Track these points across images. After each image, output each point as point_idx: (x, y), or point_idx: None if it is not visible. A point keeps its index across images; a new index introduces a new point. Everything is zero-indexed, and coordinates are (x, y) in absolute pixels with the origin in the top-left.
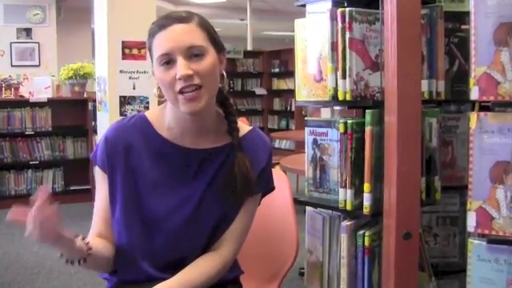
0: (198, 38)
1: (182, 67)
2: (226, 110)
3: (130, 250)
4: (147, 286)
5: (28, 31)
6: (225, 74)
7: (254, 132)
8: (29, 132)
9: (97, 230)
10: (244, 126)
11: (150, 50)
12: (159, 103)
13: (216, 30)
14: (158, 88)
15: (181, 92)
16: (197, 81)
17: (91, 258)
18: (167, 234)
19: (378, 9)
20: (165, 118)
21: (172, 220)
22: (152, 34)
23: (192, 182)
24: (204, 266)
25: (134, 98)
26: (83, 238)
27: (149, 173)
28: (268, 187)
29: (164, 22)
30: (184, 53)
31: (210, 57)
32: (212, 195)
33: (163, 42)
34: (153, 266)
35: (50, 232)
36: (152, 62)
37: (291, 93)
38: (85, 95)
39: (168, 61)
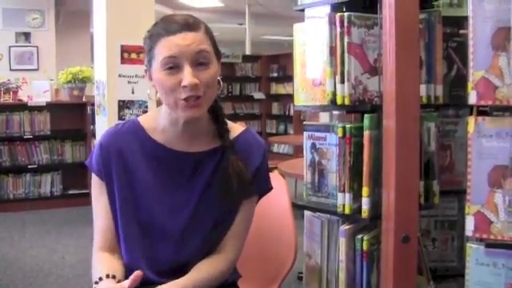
0: (205, 45)
1: (189, 75)
2: (216, 114)
3: (130, 255)
4: None
5: (27, 35)
6: (221, 80)
7: (248, 132)
8: (27, 136)
9: (104, 243)
10: (237, 127)
11: (151, 51)
12: (158, 105)
13: (214, 34)
14: (156, 92)
15: (183, 99)
16: (201, 90)
17: None
18: (166, 238)
19: (376, 13)
20: (159, 122)
21: (170, 224)
22: (157, 36)
23: (188, 186)
24: (207, 269)
25: (132, 103)
26: (113, 277)
27: (145, 177)
28: (265, 187)
29: (172, 27)
30: (191, 59)
31: (214, 66)
32: (209, 198)
33: (172, 46)
34: (153, 271)
35: None
36: (149, 63)
37: (290, 97)
38: (83, 99)
39: (172, 66)
